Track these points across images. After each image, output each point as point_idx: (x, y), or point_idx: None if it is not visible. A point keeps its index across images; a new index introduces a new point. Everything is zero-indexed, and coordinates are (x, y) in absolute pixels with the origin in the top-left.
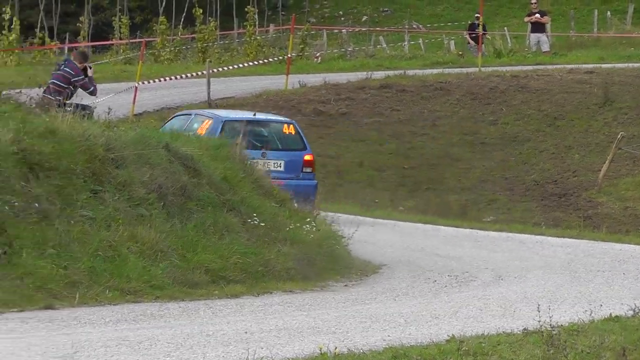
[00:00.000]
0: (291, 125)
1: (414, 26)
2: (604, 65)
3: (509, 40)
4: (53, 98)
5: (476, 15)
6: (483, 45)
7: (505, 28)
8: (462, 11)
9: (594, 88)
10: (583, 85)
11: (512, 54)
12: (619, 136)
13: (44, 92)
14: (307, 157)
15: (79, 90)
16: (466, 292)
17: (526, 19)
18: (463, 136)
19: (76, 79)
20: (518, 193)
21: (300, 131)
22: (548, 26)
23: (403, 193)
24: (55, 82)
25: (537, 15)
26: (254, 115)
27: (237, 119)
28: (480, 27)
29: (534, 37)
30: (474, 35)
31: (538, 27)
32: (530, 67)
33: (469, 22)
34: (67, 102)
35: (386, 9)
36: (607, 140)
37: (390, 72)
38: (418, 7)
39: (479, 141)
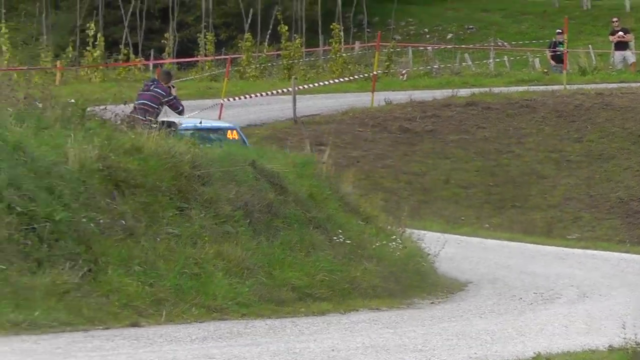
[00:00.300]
0: (234, 131)
1: (499, 43)
2: None
3: (593, 58)
4: (143, 118)
5: (557, 31)
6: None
7: (590, 46)
8: (547, 29)
9: None
10: None
11: (596, 72)
12: None
13: (132, 112)
14: None
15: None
16: (551, 309)
17: (610, 37)
18: (548, 154)
19: (167, 99)
20: (602, 210)
21: (242, 135)
22: (632, 44)
23: (489, 210)
24: (147, 102)
25: (621, 33)
26: (200, 123)
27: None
28: (565, 44)
29: (618, 55)
30: (558, 52)
31: (622, 45)
32: (614, 85)
33: (552, 40)
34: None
35: (471, 27)
36: None
37: (476, 90)
38: (503, 24)
39: (564, 158)
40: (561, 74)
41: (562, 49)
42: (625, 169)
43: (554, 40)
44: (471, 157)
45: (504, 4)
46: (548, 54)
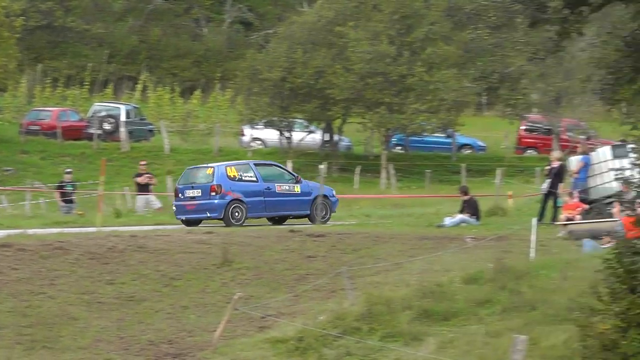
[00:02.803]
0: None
1: (36, 185)
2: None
3: (128, 199)
4: None
5: (66, 171)
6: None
7: (126, 188)
8: (85, 171)
9: (213, 248)
10: (202, 245)
11: (132, 214)
12: (235, 296)
13: None
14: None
15: None
16: None
17: (138, 179)
18: (81, 295)
19: None
20: (133, 352)
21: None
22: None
23: (19, 351)
24: None
25: (147, 175)
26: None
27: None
28: (100, 185)
29: (141, 198)
30: (67, 198)
31: (144, 188)
32: (150, 227)
33: (58, 182)
34: None
35: (9, 168)
36: (225, 301)
37: (12, 231)
38: (42, 166)
39: (96, 300)
40: (70, 215)
41: (70, 189)
42: (157, 311)
43: (60, 181)
44: (4, 298)
45: (44, 146)
46: (57, 194)
